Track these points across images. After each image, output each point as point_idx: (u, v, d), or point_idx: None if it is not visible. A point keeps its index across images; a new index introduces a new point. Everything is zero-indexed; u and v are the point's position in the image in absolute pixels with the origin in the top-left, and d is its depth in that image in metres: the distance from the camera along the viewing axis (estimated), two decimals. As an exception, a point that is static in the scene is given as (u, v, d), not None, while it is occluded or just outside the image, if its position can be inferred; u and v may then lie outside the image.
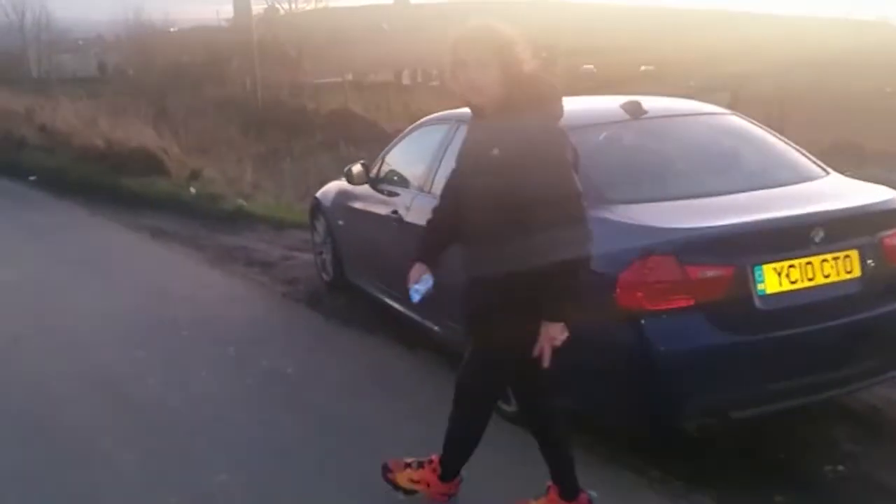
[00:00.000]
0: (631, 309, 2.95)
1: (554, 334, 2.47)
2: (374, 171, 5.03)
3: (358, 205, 5.12)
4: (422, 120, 4.84)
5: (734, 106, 5.62)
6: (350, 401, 3.90)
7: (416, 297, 2.76)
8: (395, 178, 4.83)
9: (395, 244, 4.48)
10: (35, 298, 5.80)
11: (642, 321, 2.94)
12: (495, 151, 2.47)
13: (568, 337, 2.49)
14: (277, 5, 32.98)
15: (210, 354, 4.57)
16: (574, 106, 4.44)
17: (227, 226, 8.04)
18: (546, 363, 2.50)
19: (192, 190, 9.59)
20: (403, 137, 4.95)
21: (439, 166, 4.14)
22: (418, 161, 4.52)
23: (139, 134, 11.98)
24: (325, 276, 5.83)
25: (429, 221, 2.86)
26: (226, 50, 22.71)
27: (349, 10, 38.37)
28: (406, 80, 30.32)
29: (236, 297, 5.76)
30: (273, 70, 18.57)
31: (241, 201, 8.76)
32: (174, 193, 9.57)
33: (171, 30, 37.29)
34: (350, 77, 20.87)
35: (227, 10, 38.47)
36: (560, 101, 2.56)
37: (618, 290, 2.96)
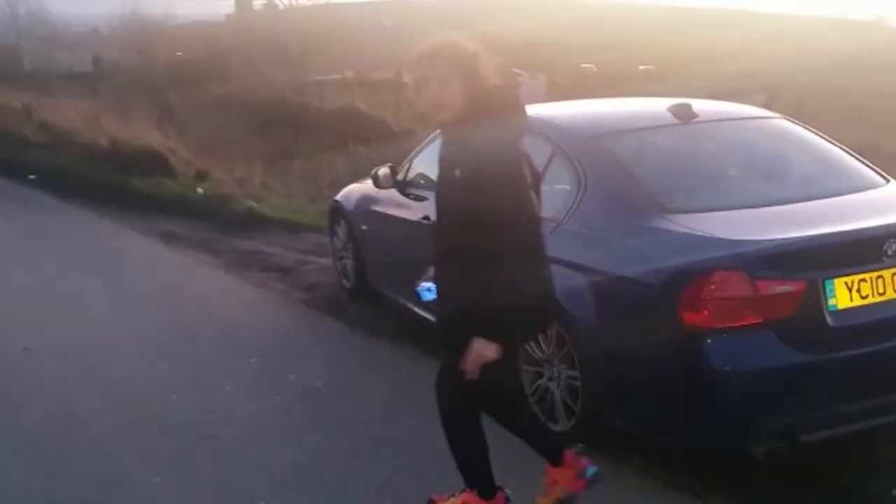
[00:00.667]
0: (695, 327, 2.79)
1: (485, 352, 2.39)
2: (401, 175, 4.86)
3: (384, 209, 4.95)
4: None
5: (770, 108, 5.45)
6: (385, 417, 3.74)
7: (428, 296, 2.68)
8: (423, 181, 4.66)
9: (426, 251, 4.30)
10: (45, 307, 5.53)
11: (708, 340, 2.79)
12: (457, 172, 2.40)
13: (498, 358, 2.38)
14: (277, 0, 32.67)
15: (233, 367, 4.38)
16: (619, 108, 4.34)
17: (240, 229, 7.82)
18: (474, 377, 2.41)
19: (200, 190, 9.37)
20: (433, 140, 4.77)
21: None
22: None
23: (143, 133, 11.72)
24: (346, 282, 5.65)
25: None
26: (226, 46, 22.41)
27: (349, 6, 37.98)
28: (407, 78, 30.03)
29: (255, 304, 5.58)
30: (276, 67, 18.32)
31: (251, 203, 8.54)
32: (183, 195, 9.33)
33: (168, 25, 36.92)
34: (351, 74, 20.56)
35: (225, 6, 38.06)
36: (524, 116, 2.48)
37: (681, 306, 2.80)
